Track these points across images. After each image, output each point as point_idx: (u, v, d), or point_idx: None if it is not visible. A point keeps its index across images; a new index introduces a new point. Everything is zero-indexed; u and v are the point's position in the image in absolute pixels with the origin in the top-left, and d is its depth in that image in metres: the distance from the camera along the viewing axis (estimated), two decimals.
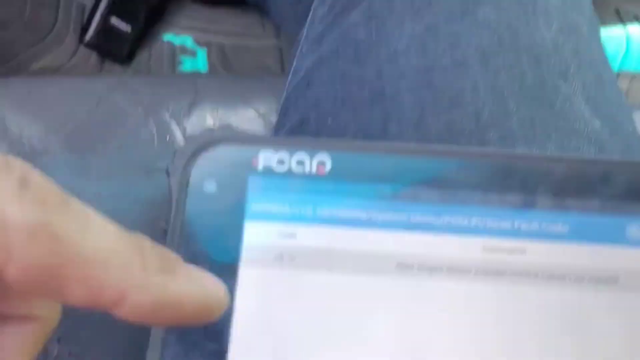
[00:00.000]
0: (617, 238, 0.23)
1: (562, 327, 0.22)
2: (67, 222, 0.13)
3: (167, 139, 0.43)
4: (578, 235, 0.23)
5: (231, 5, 0.97)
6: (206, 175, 0.24)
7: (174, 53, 0.87)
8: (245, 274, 0.22)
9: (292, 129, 0.33)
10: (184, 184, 0.24)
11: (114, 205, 0.40)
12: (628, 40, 1.32)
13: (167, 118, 0.46)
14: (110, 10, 0.84)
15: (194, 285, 0.16)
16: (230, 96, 0.48)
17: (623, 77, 1.26)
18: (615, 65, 1.27)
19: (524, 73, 0.30)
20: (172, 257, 0.16)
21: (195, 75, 0.58)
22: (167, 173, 0.24)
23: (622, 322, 0.22)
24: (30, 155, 0.41)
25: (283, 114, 0.35)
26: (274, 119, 0.43)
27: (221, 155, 0.24)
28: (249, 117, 0.47)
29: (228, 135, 0.24)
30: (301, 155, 0.24)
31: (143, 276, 0.14)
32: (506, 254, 0.23)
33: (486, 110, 0.28)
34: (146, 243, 0.15)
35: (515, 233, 0.23)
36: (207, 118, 0.44)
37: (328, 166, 0.24)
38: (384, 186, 0.24)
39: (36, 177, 0.13)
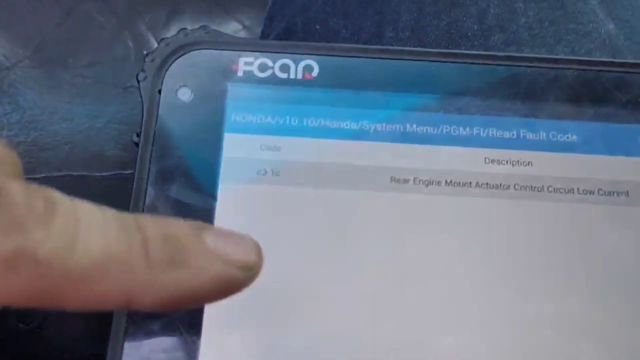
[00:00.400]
0: (629, 149, 0.21)
1: (569, 243, 0.20)
2: (51, 239, 0.11)
3: (144, 53, 0.39)
4: (587, 146, 0.21)
5: None
6: (181, 82, 0.21)
7: None
8: (226, 190, 0.20)
9: (277, 38, 0.30)
10: (156, 92, 0.21)
11: (89, 125, 0.38)
12: None
13: (144, 30, 0.43)
14: None
15: (213, 268, 0.13)
16: (212, 6, 0.45)
17: None
18: None
19: None
20: (184, 241, 0.13)
21: None
22: (137, 80, 0.22)
23: (632, 236, 0.20)
24: None
25: (268, 22, 0.32)
26: (260, 31, 0.40)
27: (197, 60, 0.22)
28: (233, 30, 0.43)
29: (205, 38, 0.22)
30: (286, 59, 0.22)
31: (149, 276, 0.12)
32: (510, 166, 0.21)
33: (491, 11, 0.25)
34: (151, 232, 0.12)
35: (520, 144, 0.21)
36: (186, 32, 0.40)
37: (315, 71, 0.22)
38: (377, 93, 0.21)
39: (9, 191, 0.11)
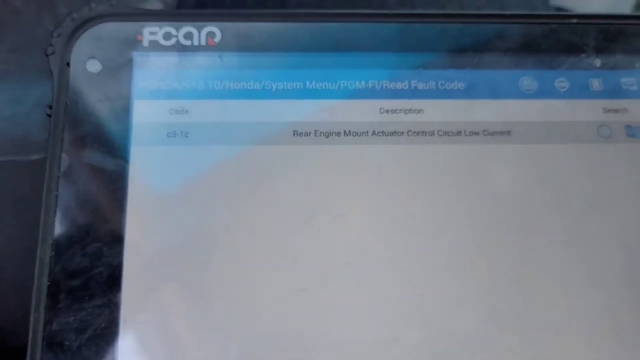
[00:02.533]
0: (510, 92, 0.23)
1: (459, 181, 0.22)
2: None
3: (51, 29, 0.40)
4: (472, 91, 0.23)
5: None
6: (88, 55, 0.22)
7: None
8: (137, 152, 0.21)
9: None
10: (65, 65, 0.22)
11: (14, 110, 0.38)
12: None
13: (65, 12, 0.43)
14: None
15: None
16: None
17: None
18: None
19: None
20: None
21: None
22: (46, 54, 0.23)
23: (516, 172, 0.22)
24: None
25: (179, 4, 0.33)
26: (175, 6, 0.40)
27: (103, 32, 0.23)
28: (153, 5, 0.44)
29: (109, 11, 0.23)
30: (189, 27, 0.23)
31: None
32: (403, 114, 0.23)
33: None
34: None
35: (412, 93, 0.23)
36: None
37: (218, 37, 0.23)
38: (277, 54, 0.23)
39: None
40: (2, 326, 0.29)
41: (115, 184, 0.21)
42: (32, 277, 0.21)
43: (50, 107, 0.22)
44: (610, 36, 0.24)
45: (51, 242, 0.20)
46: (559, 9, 0.39)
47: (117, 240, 0.20)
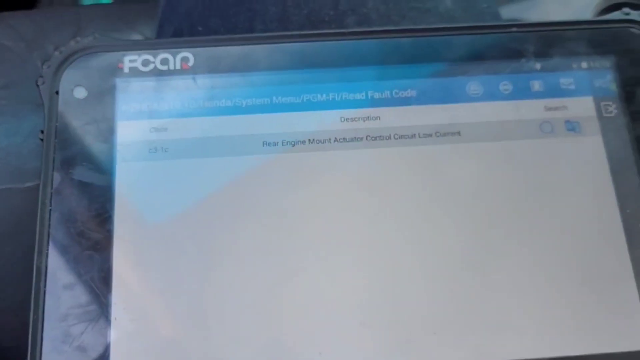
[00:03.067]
0: (459, 96, 0.26)
1: (415, 180, 0.24)
2: None
3: (41, 62, 0.42)
4: (425, 98, 0.25)
5: None
6: (75, 83, 0.25)
7: None
8: (122, 169, 0.24)
9: None
10: (54, 93, 0.25)
11: (10, 142, 0.41)
12: None
13: (52, 50, 0.46)
14: None
15: None
16: (114, 23, 0.48)
17: None
18: None
19: None
20: None
21: (76, 6, 0.57)
22: (37, 85, 0.25)
23: (466, 168, 0.25)
24: None
25: (160, 30, 0.36)
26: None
27: (87, 62, 0.25)
28: (133, 37, 0.47)
29: (93, 43, 0.25)
30: (165, 54, 0.25)
31: None
32: (362, 122, 0.25)
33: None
34: None
35: (369, 102, 0.25)
36: None
37: (191, 61, 0.25)
38: (244, 75, 0.25)
39: None
40: (4, 344, 0.31)
41: (103, 197, 0.23)
42: (29, 294, 0.23)
43: (42, 132, 0.24)
44: (547, 41, 0.26)
45: (46, 252, 0.22)
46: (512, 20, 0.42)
47: (106, 247, 0.23)
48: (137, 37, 0.46)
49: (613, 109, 0.25)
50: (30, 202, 0.40)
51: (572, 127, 0.25)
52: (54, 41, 0.48)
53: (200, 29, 0.32)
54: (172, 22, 0.33)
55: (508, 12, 0.49)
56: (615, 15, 0.27)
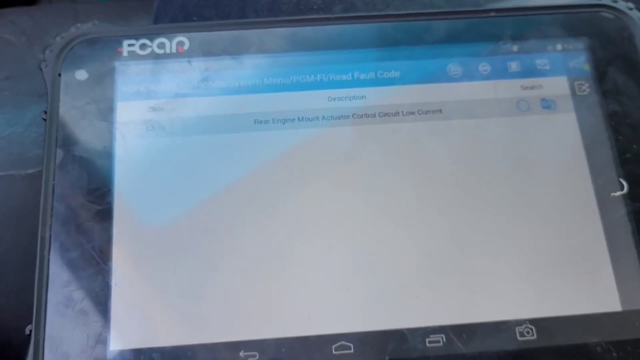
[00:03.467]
0: (440, 76, 0.27)
1: (398, 155, 0.26)
2: None
3: (44, 47, 0.44)
4: (407, 78, 0.27)
5: None
6: (77, 66, 0.26)
7: None
8: (122, 145, 0.25)
9: None
10: (57, 76, 0.26)
11: (12, 131, 0.42)
12: None
13: (50, 43, 0.47)
14: None
15: None
16: (110, 16, 0.49)
17: None
18: None
19: None
20: None
21: (74, 2, 0.58)
22: (40, 68, 0.26)
23: (447, 144, 0.26)
24: None
25: (155, 22, 0.37)
26: None
27: (89, 47, 0.27)
28: (132, 24, 0.48)
29: (93, 29, 0.27)
30: (161, 39, 0.27)
31: None
32: (348, 101, 0.26)
33: None
34: None
35: (355, 83, 0.27)
36: None
37: (186, 45, 0.27)
38: (236, 57, 0.27)
39: None
40: (7, 325, 0.33)
41: (103, 172, 0.25)
42: (32, 279, 0.24)
43: (45, 112, 0.26)
44: (524, 25, 0.28)
45: (50, 223, 0.24)
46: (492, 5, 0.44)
47: (107, 216, 0.24)
48: (134, 24, 0.48)
49: (586, 87, 0.27)
50: (32, 188, 0.42)
51: (547, 104, 0.27)
52: (53, 35, 0.50)
53: (195, 18, 0.33)
54: (168, 14, 0.35)
55: None
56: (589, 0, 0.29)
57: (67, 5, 0.52)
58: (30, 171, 0.40)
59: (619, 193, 0.25)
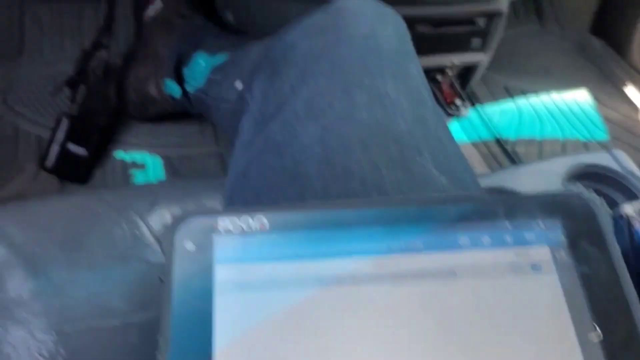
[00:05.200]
0: (452, 246, 0.36)
1: (422, 313, 0.34)
2: None
3: (136, 233, 0.56)
4: (428, 246, 0.36)
5: (173, 119, 1.11)
6: (186, 238, 0.36)
7: (125, 168, 0.99)
8: (219, 300, 0.34)
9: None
10: (171, 246, 0.36)
11: (100, 289, 0.52)
12: (519, 111, 1.54)
13: (135, 217, 0.59)
14: (67, 138, 0.95)
15: None
16: (181, 196, 0.61)
17: (519, 143, 1.46)
18: (512, 134, 1.47)
19: (391, 152, 0.44)
20: None
21: (151, 184, 0.72)
22: (159, 241, 0.36)
23: (462, 301, 0.35)
24: (32, 257, 0.51)
25: (229, 203, 0.48)
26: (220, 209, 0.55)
27: (193, 224, 0.36)
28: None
29: (197, 211, 0.37)
30: (247, 218, 0.37)
31: None
32: (384, 266, 0.36)
33: (368, 178, 0.42)
34: None
35: (388, 250, 0.36)
36: (165, 215, 0.56)
37: (267, 224, 0.37)
38: (304, 233, 0.36)
39: None
40: None
41: (209, 324, 0.33)
42: None
43: (163, 275, 0.35)
44: (514, 208, 0.38)
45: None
46: (495, 189, 0.55)
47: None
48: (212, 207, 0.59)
49: (563, 254, 0.36)
50: (116, 338, 0.50)
51: (535, 268, 0.36)
52: (134, 208, 0.61)
53: (264, 201, 0.44)
54: (240, 198, 0.45)
55: (491, 181, 0.62)
56: (563, 191, 0.39)
57: (146, 187, 0.63)
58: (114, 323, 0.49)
59: (594, 334, 0.33)
